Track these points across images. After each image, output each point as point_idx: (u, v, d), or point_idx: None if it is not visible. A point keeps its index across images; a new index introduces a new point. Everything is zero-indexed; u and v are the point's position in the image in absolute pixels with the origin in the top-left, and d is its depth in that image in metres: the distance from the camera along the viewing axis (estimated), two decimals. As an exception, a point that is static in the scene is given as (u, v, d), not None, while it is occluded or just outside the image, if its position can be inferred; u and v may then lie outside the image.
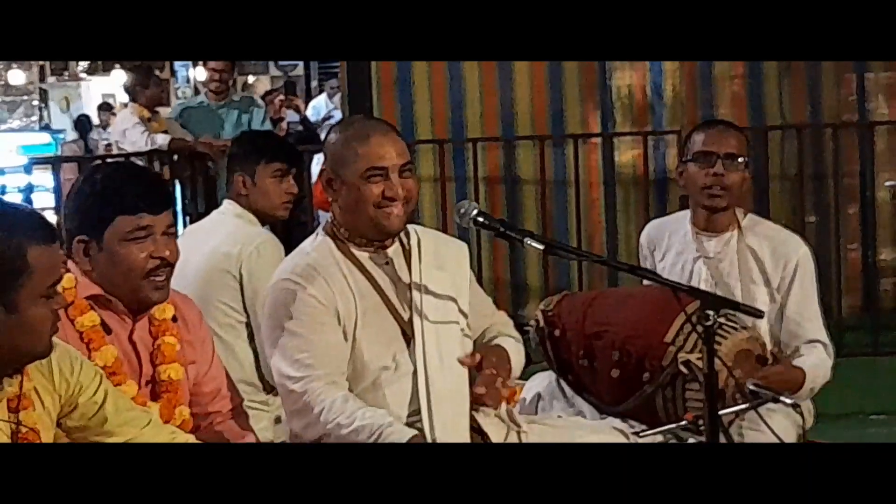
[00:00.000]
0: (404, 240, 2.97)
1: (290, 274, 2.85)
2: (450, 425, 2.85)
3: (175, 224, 2.89)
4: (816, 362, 3.46)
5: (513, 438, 2.96)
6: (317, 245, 2.93)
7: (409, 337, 2.89)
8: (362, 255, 2.90)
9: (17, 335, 2.03)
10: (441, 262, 3.02)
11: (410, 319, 2.90)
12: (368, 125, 3.08)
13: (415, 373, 2.86)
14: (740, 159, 3.54)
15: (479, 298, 3.20)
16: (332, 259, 2.87)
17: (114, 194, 2.67)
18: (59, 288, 2.12)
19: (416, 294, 2.92)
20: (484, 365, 2.88)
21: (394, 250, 2.95)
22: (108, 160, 7.02)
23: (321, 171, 3.08)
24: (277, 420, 3.54)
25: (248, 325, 3.68)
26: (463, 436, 2.86)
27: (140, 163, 6.63)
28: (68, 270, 2.60)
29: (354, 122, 3.43)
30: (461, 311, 3.02)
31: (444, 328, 2.95)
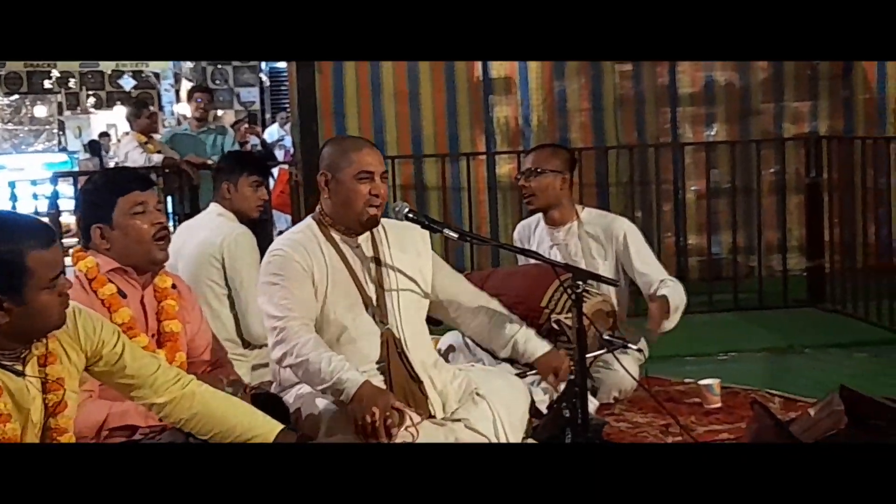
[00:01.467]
0: (374, 231, 3.22)
1: (282, 245, 3.17)
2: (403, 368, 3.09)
3: (162, 201, 3.20)
4: (671, 289, 3.86)
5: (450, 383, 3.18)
6: (304, 228, 3.23)
7: (368, 305, 3.13)
8: (338, 238, 3.16)
9: (31, 319, 2.18)
10: (403, 245, 3.26)
11: (368, 290, 3.15)
12: (360, 141, 3.34)
13: (377, 328, 3.11)
14: (538, 171, 3.98)
15: (452, 277, 3.46)
16: (315, 238, 3.15)
17: (110, 183, 3.03)
18: (60, 278, 2.22)
19: (382, 271, 3.19)
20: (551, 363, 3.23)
21: (364, 237, 3.20)
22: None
23: (320, 174, 3.19)
24: (254, 368, 3.85)
25: (230, 296, 3.99)
26: (414, 380, 3.08)
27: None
28: (86, 257, 2.92)
29: (347, 139, 3.60)
30: (421, 282, 3.26)
31: (404, 295, 3.19)
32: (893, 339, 6.14)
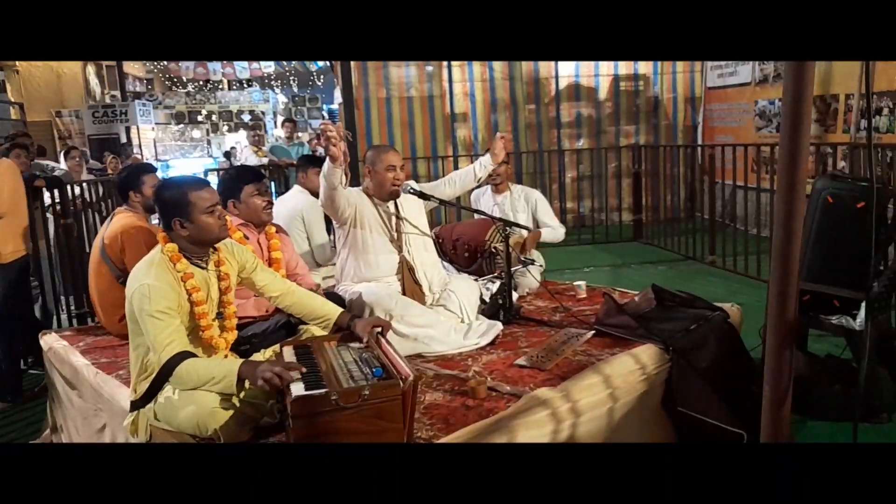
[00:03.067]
0: (397, 199, 3.13)
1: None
2: (410, 277, 3.03)
3: (268, 186, 3.08)
4: (550, 230, 3.91)
5: (435, 280, 3.11)
6: (359, 193, 3.09)
7: (391, 240, 3.05)
8: (377, 202, 3.08)
9: (200, 233, 2.12)
10: (411, 208, 3.18)
11: (392, 232, 3.06)
12: (388, 147, 3.20)
13: (397, 254, 3.03)
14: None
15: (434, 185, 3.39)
16: (366, 201, 3.06)
17: (238, 175, 2.94)
18: (216, 208, 2.13)
19: (401, 222, 3.10)
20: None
21: (390, 203, 3.10)
22: (228, 168, 6.97)
23: (365, 167, 3.12)
24: (324, 278, 3.62)
25: (308, 238, 3.90)
26: (417, 284, 3.02)
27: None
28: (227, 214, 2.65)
29: (381, 146, 3.38)
30: (421, 227, 3.18)
31: (413, 237, 3.12)
32: (679, 258, 6.27)
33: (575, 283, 3.55)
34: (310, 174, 4.19)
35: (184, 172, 7.24)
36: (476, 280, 3.31)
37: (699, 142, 8.23)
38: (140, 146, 12.03)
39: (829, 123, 6.13)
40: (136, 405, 2.08)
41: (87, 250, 4.77)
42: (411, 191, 3.13)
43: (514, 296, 3.23)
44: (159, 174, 3.43)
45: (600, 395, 2.23)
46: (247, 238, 2.82)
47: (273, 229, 2.94)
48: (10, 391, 3.75)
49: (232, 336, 2.25)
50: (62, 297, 4.78)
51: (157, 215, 2.24)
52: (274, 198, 3.33)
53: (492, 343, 2.78)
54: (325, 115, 15.60)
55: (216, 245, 2.21)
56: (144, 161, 10.26)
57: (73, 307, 4.72)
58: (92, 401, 2.67)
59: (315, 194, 4.15)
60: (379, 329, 2.19)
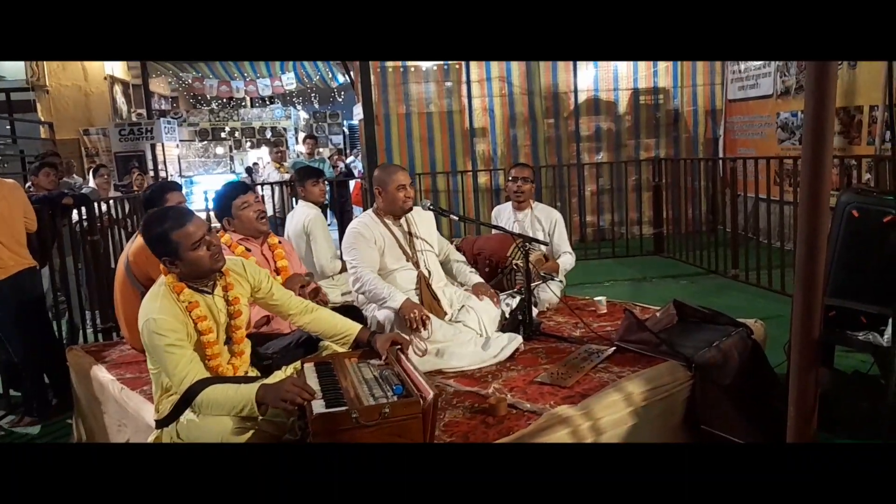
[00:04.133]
0: (407, 216, 3.13)
1: (356, 226, 3.07)
2: (428, 291, 3.04)
3: (259, 198, 3.08)
4: (566, 260, 3.76)
5: (454, 297, 3.13)
6: (368, 216, 3.12)
7: (407, 258, 3.05)
8: (389, 221, 3.08)
9: (191, 267, 2.06)
10: (423, 224, 3.18)
11: (408, 250, 3.07)
12: (395, 166, 3.21)
13: (415, 270, 3.05)
14: (527, 180, 3.84)
15: (442, 240, 3.34)
16: (375, 222, 3.06)
17: (227, 190, 2.97)
18: (203, 240, 2.04)
19: (414, 239, 3.10)
20: (478, 290, 3.15)
21: (402, 220, 3.11)
22: (218, 189, 7.44)
23: (375, 187, 3.11)
24: (343, 294, 3.66)
25: (314, 250, 3.98)
26: (434, 299, 3.02)
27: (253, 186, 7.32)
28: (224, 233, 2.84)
29: (389, 166, 3.40)
30: (433, 244, 3.19)
31: (427, 253, 3.13)
32: (701, 272, 6.22)
33: (595, 299, 3.51)
34: (307, 186, 4.28)
35: (207, 189, 7.20)
36: (497, 294, 3.28)
37: (720, 154, 8.16)
38: (165, 163, 12.23)
39: (853, 135, 6.04)
40: (160, 424, 2.10)
41: (113, 266, 4.86)
42: (431, 207, 3.14)
43: (535, 311, 3.21)
44: (184, 190, 3.47)
45: (621, 413, 2.21)
46: (249, 251, 2.83)
47: (276, 239, 2.95)
48: (37, 407, 3.79)
49: (240, 360, 2.23)
50: (87, 312, 4.85)
51: None
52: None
53: (512, 357, 2.76)
54: (346, 130, 15.79)
55: (222, 270, 2.17)
56: (169, 179, 10.43)
57: (98, 322, 4.78)
58: (116, 416, 2.70)
59: (316, 204, 4.33)
60: (399, 346, 2.19)
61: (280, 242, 2.97)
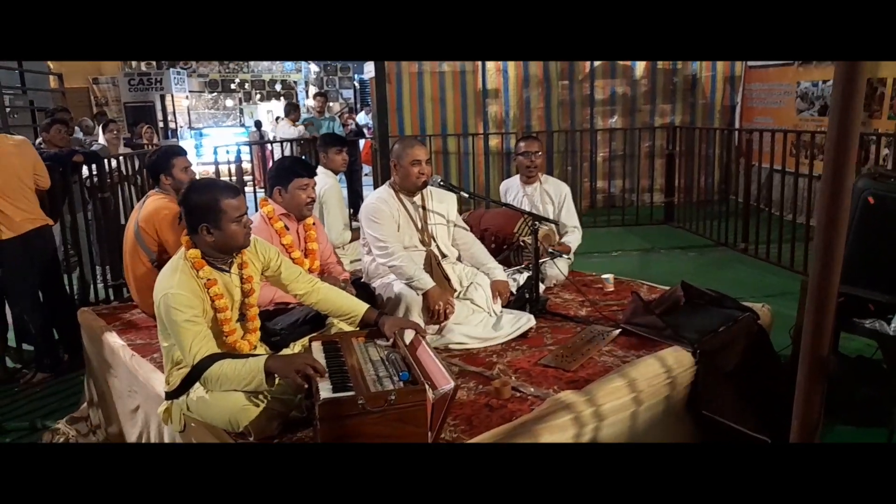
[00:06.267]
0: (422, 192, 3.08)
1: (375, 200, 3.02)
2: (439, 270, 3.00)
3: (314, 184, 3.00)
4: (574, 237, 3.73)
5: (462, 273, 3.08)
6: (385, 191, 3.07)
7: (419, 233, 3.04)
8: (403, 197, 3.05)
9: (225, 240, 2.08)
10: (440, 199, 3.15)
11: (422, 227, 3.05)
12: (413, 140, 3.15)
13: (425, 249, 3.02)
14: (538, 153, 3.78)
15: (460, 222, 3.25)
16: (392, 197, 3.03)
17: (293, 166, 2.95)
18: (244, 217, 2.09)
19: (428, 214, 3.08)
20: (498, 287, 3.02)
21: (417, 196, 3.07)
22: (285, 156, 7.35)
23: (391, 161, 3.07)
24: (351, 262, 3.70)
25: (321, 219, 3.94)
26: (445, 278, 2.98)
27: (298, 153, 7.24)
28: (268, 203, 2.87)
29: (407, 139, 3.28)
30: (449, 219, 3.15)
31: (439, 227, 3.10)
32: (710, 244, 6.19)
33: (603, 276, 3.50)
34: (330, 154, 4.25)
35: (217, 143, 7.18)
36: (504, 270, 3.26)
37: (737, 122, 8.02)
38: (175, 114, 12.13)
39: (873, 108, 5.90)
40: (170, 396, 2.13)
41: (122, 222, 4.89)
42: (441, 183, 3.09)
43: (541, 287, 3.20)
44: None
45: (624, 399, 2.22)
46: (287, 228, 2.84)
47: (311, 221, 2.95)
48: (49, 363, 3.87)
49: (254, 337, 2.26)
50: (98, 268, 4.90)
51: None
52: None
53: (524, 335, 2.77)
54: (357, 84, 15.53)
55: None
56: (176, 138, 10.35)
57: (109, 277, 4.83)
58: (127, 382, 2.74)
59: (336, 173, 4.32)
60: (411, 329, 2.21)
61: (314, 224, 2.96)
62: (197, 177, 3.44)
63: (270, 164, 7.49)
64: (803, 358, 1.30)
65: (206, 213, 2.06)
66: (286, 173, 2.88)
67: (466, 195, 3.20)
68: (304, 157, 7.56)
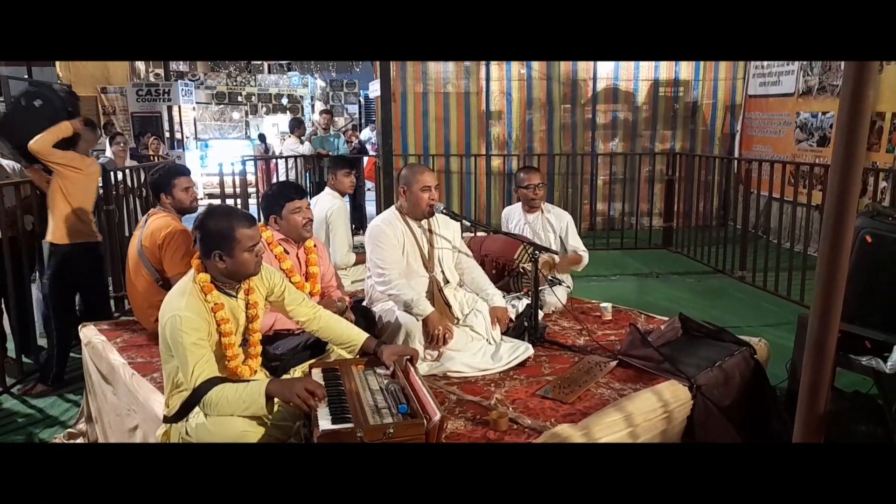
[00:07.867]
0: (429, 218, 3.08)
1: (380, 223, 3.01)
2: (440, 297, 2.99)
3: (310, 205, 2.99)
4: (585, 256, 3.74)
5: (464, 300, 3.06)
6: (391, 215, 3.06)
7: (423, 260, 3.02)
8: (410, 222, 3.04)
9: (237, 268, 2.10)
10: (446, 225, 3.15)
11: (427, 252, 3.03)
12: (422, 167, 3.14)
13: (429, 275, 3.00)
14: (540, 184, 3.80)
15: (461, 253, 3.22)
16: (398, 221, 3.02)
17: (283, 189, 2.93)
18: (257, 246, 2.12)
19: (434, 237, 3.07)
20: (497, 314, 3.01)
21: (424, 221, 3.07)
22: (271, 184, 7.19)
23: (399, 186, 3.05)
24: (353, 282, 3.75)
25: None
26: (446, 304, 2.97)
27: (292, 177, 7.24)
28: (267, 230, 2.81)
29: (416, 165, 3.28)
30: (454, 246, 3.15)
31: (446, 251, 3.10)
32: (709, 270, 6.20)
33: (601, 305, 3.51)
34: (339, 176, 4.27)
35: (221, 154, 7.17)
36: (503, 297, 3.25)
37: (737, 150, 8.06)
38: (181, 124, 12.17)
39: (872, 141, 5.94)
40: (169, 420, 2.12)
41: (127, 235, 4.91)
42: (444, 211, 3.09)
43: (540, 314, 3.20)
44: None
45: (621, 434, 2.21)
46: (286, 252, 2.83)
47: (312, 243, 2.94)
48: (54, 376, 3.85)
49: (255, 362, 2.26)
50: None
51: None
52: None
53: (522, 364, 2.76)
54: (362, 100, 15.61)
55: None
56: (179, 155, 10.37)
57: (111, 289, 4.81)
58: (126, 400, 2.72)
59: (343, 195, 4.33)
60: (407, 357, 2.20)
61: (315, 246, 2.94)
62: (199, 194, 3.43)
63: (275, 178, 7.57)
64: (802, 397, 1.29)
65: (221, 241, 2.07)
66: (277, 199, 2.86)
67: (468, 223, 3.20)
68: (305, 175, 7.62)
